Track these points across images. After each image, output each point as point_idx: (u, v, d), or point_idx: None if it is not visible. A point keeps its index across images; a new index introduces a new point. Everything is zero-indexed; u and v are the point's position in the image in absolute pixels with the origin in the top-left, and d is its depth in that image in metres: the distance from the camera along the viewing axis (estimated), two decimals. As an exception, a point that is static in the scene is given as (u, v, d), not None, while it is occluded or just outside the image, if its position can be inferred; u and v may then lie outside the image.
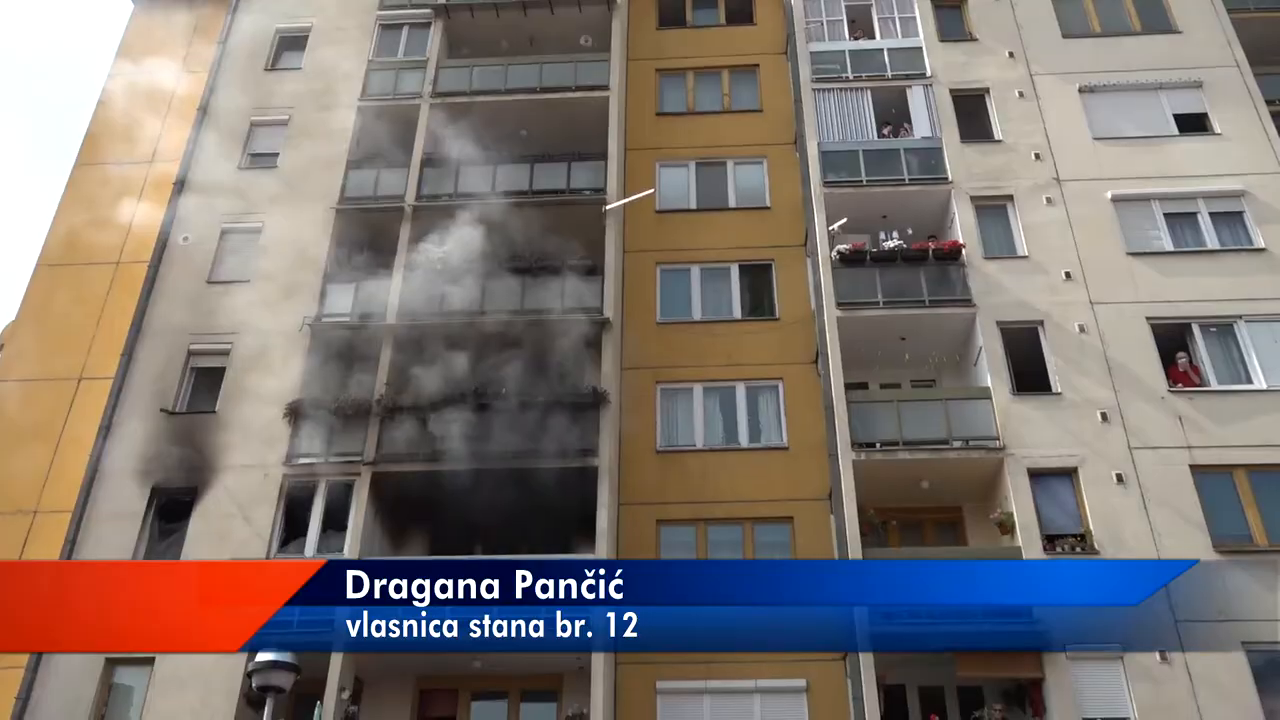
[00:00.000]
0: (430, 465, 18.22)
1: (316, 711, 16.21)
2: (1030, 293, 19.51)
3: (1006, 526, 17.46)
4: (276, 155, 22.97)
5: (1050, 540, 17.03)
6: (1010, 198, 20.83)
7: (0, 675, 17.04)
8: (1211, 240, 20.03)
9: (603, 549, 17.27)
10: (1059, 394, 18.36)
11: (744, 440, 19.75)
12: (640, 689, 17.17)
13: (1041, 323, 19.15)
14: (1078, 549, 16.87)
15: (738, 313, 21.32)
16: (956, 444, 18.01)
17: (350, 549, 17.50)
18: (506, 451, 17.98)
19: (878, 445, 18.08)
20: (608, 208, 21.08)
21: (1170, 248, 19.99)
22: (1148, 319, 19.04)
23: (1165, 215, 20.38)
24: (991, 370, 18.63)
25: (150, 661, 16.87)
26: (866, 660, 15.91)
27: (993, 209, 20.82)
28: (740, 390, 20.23)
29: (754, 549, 18.55)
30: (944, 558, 17.21)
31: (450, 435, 18.16)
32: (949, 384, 19.90)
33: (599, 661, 16.32)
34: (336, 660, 16.41)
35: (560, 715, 17.00)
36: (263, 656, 12.97)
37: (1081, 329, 18.96)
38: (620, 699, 17.03)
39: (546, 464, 17.99)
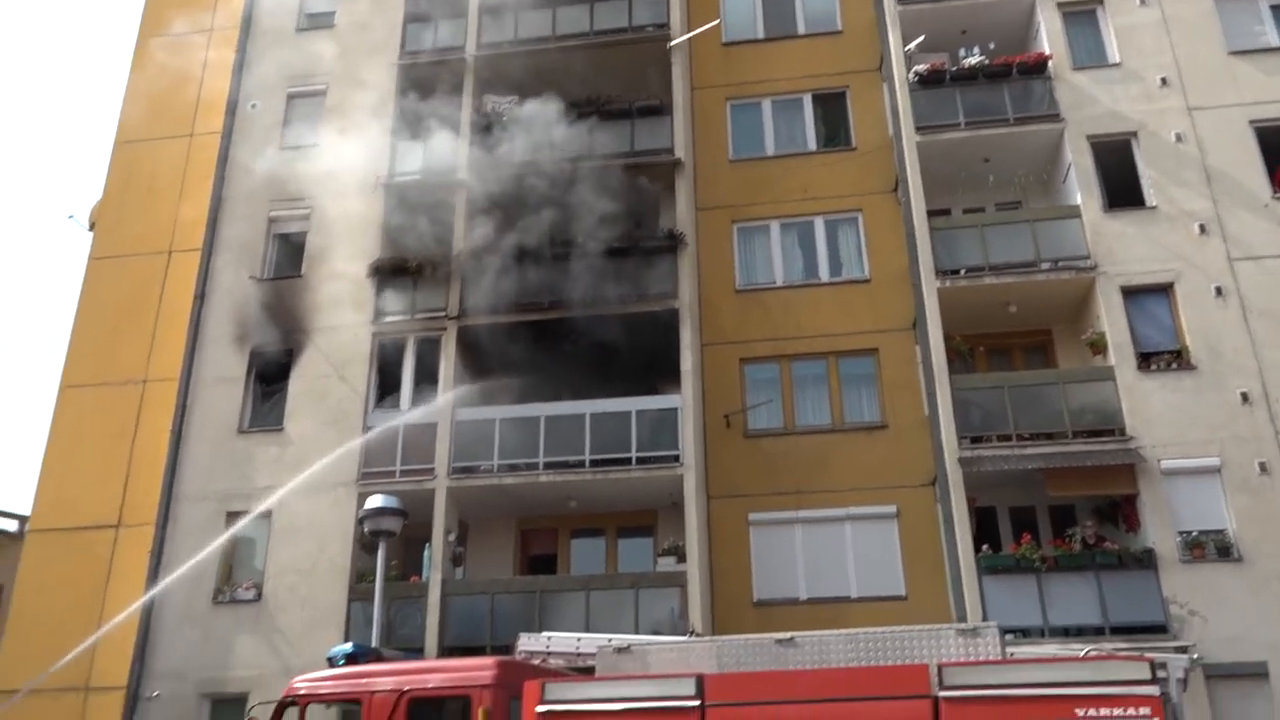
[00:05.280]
0: (512, 316, 18.49)
1: (426, 552, 17.09)
2: (1123, 102, 18.52)
3: (1098, 347, 17.16)
4: (333, 13, 22.61)
5: (1145, 359, 16.70)
6: (1100, 0, 19.55)
7: (133, 533, 18.29)
8: (1324, 30, 18.64)
9: (688, 390, 17.49)
10: (1154, 207, 17.64)
11: (824, 274, 19.53)
12: (732, 521, 17.67)
13: (1135, 134, 18.25)
14: (1174, 365, 16.53)
15: (813, 144, 20.74)
16: (1045, 265, 17.56)
17: (442, 402, 18.01)
18: (587, 298, 18.08)
19: (962, 271, 17.73)
20: (672, 43, 20.37)
21: (1276, 43, 18.65)
22: (1251, 122, 17.99)
23: (1271, 7, 18.97)
24: (1081, 187, 17.93)
25: (268, 515, 17.86)
26: (956, 483, 16.04)
27: (1081, 14, 19.58)
28: (819, 224, 19.88)
29: (839, 382, 18.60)
30: (1034, 381, 17.10)
31: (530, 285, 18.34)
32: (1036, 204, 19.23)
33: (691, 497, 16.76)
34: (440, 504, 17.17)
35: (657, 549, 17.59)
36: (372, 503, 13.63)
37: (1178, 138, 18.02)
38: (714, 532, 17.56)
39: (627, 309, 18.11)
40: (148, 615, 17.29)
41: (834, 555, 17.21)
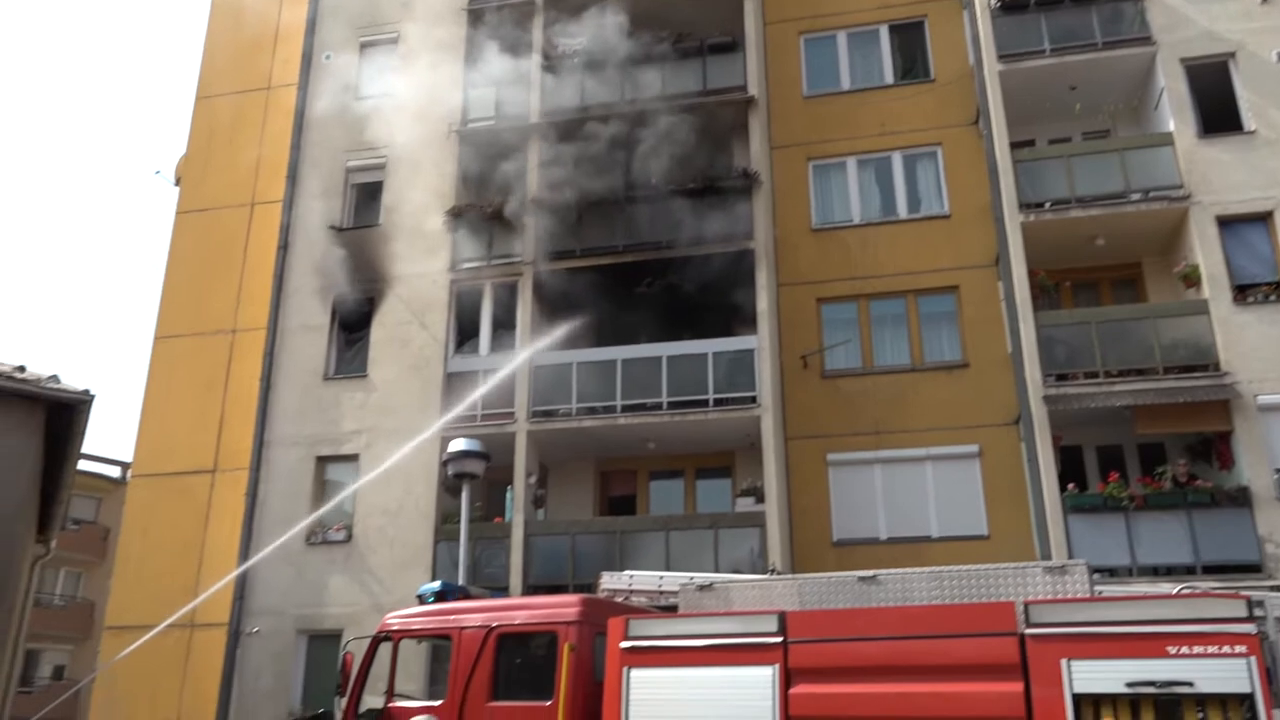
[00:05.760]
0: (588, 260, 18.53)
1: (508, 494, 17.43)
2: (1220, 21, 17.59)
3: (1192, 279, 16.53)
4: (402, -40, 22.57)
5: (1241, 291, 16.06)
6: (1196, -87, 18.51)
7: (228, 477, 19.00)
8: None
9: (764, 331, 17.39)
10: (1252, 132, 16.82)
11: (903, 211, 19.14)
12: (811, 462, 17.64)
13: (1233, 54, 17.35)
14: (1272, 297, 15.88)
15: (890, 78, 20.20)
16: (1135, 196, 16.91)
17: (521, 347, 18.20)
18: (661, 240, 18.03)
19: (1047, 204, 17.19)
20: (744, -24, 19.90)
21: (1391, -48, 17.50)
22: (1361, 38, 17.00)
23: (1385, -87, 17.75)
24: (1174, 113, 17.16)
25: (355, 458, 18.38)
26: (1041, 421, 15.74)
27: (1176, -71, 18.58)
28: (896, 159, 19.43)
29: (918, 320, 18.31)
30: (1123, 316, 16.60)
31: (604, 228, 18.32)
32: (1126, 133, 18.49)
33: (769, 437, 16.75)
34: (521, 447, 17.45)
35: (735, 490, 17.66)
36: (455, 446, 13.89)
37: (1280, 58, 17.12)
38: (792, 472, 17.56)
39: (702, 250, 17.96)
40: (247, 557, 17.99)
41: (915, 495, 17.10)
